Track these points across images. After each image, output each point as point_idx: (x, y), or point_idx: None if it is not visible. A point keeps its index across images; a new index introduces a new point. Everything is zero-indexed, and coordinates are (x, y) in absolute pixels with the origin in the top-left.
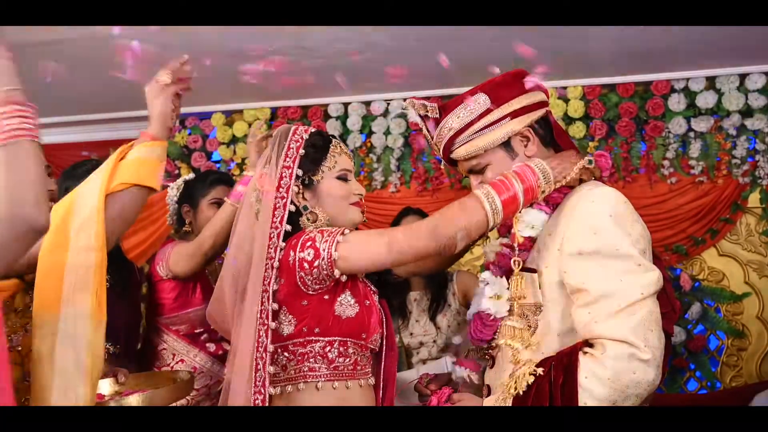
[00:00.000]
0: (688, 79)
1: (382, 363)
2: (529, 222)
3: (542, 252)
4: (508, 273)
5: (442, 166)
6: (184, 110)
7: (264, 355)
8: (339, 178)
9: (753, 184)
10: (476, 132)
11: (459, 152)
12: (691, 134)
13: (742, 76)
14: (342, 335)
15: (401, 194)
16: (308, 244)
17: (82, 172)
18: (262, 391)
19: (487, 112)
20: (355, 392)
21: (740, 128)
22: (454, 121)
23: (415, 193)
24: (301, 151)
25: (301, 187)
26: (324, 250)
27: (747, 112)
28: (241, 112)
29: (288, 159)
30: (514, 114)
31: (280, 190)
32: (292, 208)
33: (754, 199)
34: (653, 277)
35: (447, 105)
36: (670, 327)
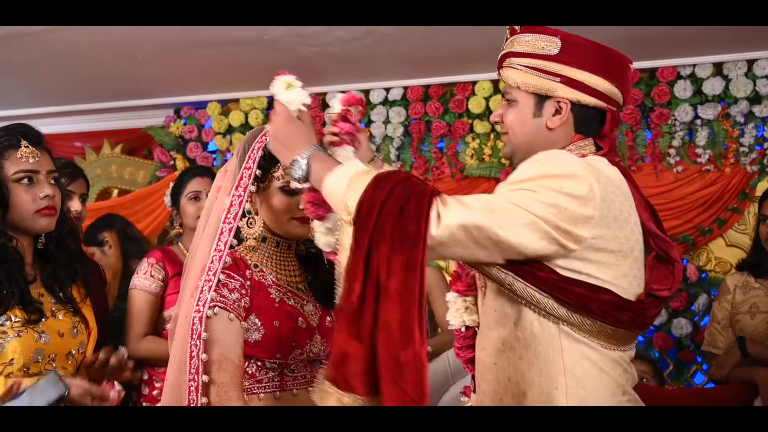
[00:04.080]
0: (694, 65)
1: None
2: None
3: None
4: None
5: (443, 156)
6: (179, 99)
7: (198, 342)
8: (283, 189)
9: (761, 173)
10: (526, 66)
11: (504, 72)
12: (698, 122)
13: (750, 62)
14: (253, 355)
15: None
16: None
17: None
18: (196, 378)
19: (547, 57)
20: (286, 401)
21: (748, 115)
22: (521, 41)
23: None
24: (260, 153)
25: (255, 189)
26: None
27: (755, 98)
28: (237, 101)
29: (250, 160)
30: (567, 81)
31: (239, 189)
32: (248, 206)
33: (762, 187)
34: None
35: (529, 27)
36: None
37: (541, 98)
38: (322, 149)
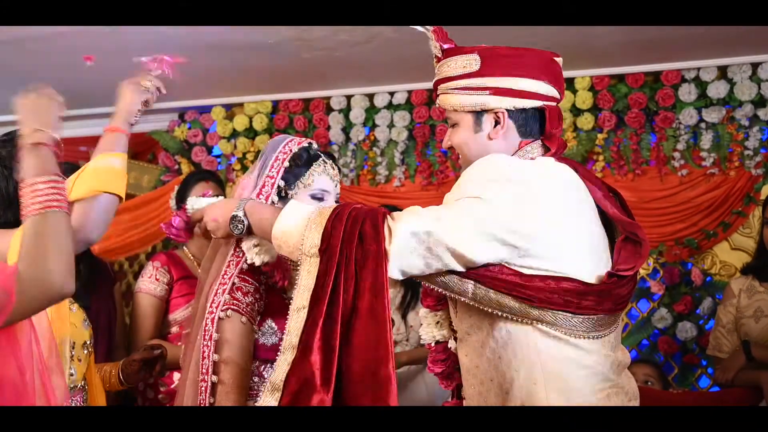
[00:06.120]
0: (699, 69)
1: None
2: None
3: None
4: None
5: (447, 160)
6: (183, 104)
7: (209, 343)
8: (313, 196)
9: (766, 176)
10: (454, 88)
11: (439, 99)
12: (703, 125)
13: (755, 65)
14: (271, 358)
15: (405, 189)
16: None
17: None
18: (206, 378)
19: (469, 75)
20: None
21: (753, 119)
22: (445, 66)
23: (419, 187)
24: (286, 164)
25: (277, 199)
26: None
27: (760, 102)
28: (241, 105)
29: (273, 169)
30: (496, 91)
31: (260, 197)
32: None
33: (767, 191)
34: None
35: (450, 50)
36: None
37: (478, 114)
38: (251, 200)
